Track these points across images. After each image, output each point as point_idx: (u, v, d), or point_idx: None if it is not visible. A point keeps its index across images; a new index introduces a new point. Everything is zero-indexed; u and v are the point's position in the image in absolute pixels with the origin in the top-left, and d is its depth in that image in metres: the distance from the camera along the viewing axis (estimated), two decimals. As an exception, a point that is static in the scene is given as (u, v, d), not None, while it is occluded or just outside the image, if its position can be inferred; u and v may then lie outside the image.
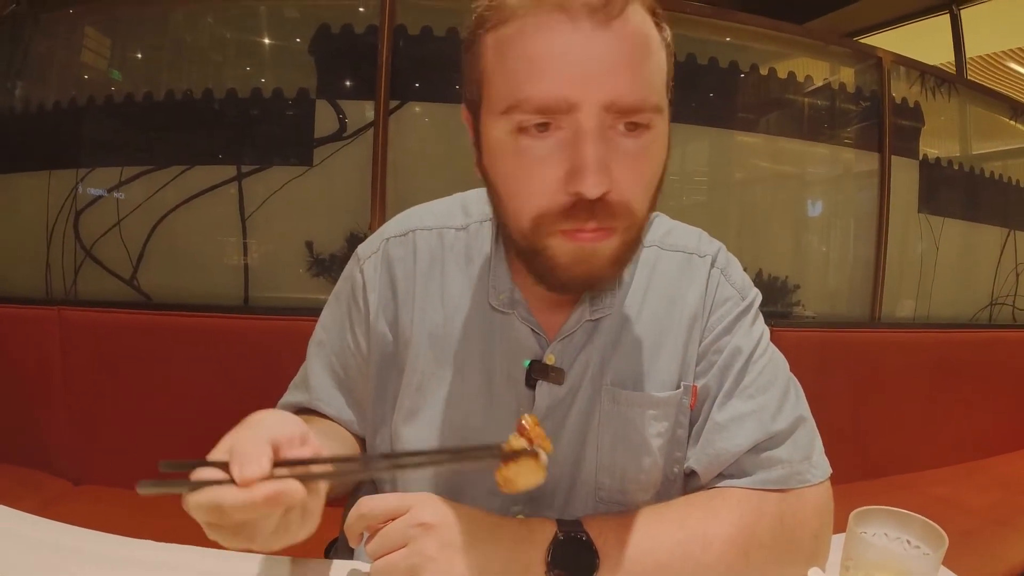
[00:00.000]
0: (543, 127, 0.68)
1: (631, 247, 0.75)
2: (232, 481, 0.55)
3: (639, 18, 0.68)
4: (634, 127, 0.69)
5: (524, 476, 0.65)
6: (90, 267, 2.19)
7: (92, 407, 1.99)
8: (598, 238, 0.71)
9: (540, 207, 0.70)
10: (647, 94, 0.68)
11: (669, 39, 0.74)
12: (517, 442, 0.66)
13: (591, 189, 0.66)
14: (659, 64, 0.71)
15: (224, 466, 0.57)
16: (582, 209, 0.68)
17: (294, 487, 0.56)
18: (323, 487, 0.64)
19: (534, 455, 0.65)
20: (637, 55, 0.68)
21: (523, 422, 0.67)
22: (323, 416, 0.98)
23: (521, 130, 0.69)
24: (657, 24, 0.72)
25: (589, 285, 0.76)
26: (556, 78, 0.66)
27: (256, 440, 0.59)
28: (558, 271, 0.73)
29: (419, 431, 0.89)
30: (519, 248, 0.77)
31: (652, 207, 0.77)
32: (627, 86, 0.67)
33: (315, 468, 0.61)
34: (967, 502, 2.23)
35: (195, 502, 0.56)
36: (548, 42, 0.66)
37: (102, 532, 0.86)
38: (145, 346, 1.97)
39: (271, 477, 0.56)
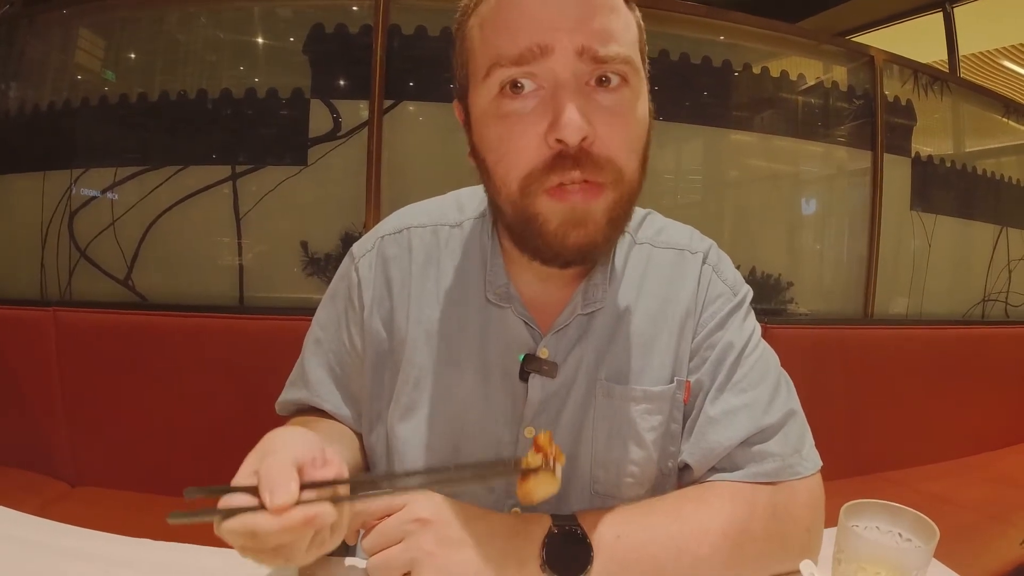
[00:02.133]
0: (521, 87, 0.72)
1: (623, 207, 0.76)
2: (263, 507, 0.56)
3: None
4: (609, 81, 0.72)
5: (541, 488, 0.68)
6: (85, 268, 2.19)
7: (88, 408, 1.99)
8: (588, 196, 0.72)
9: (526, 165, 0.72)
10: (618, 45, 0.72)
11: (638, 18, 0.79)
12: (534, 459, 0.68)
13: (571, 134, 0.69)
14: (627, 23, 0.75)
15: (252, 490, 0.58)
16: (567, 159, 0.70)
17: (326, 510, 0.58)
18: (347, 511, 0.65)
19: (550, 470, 0.68)
20: (605, 8, 0.72)
21: (539, 440, 0.69)
22: (322, 412, 0.99)
23: (503, 93, 0.72)
24: (626, 2, 0.77)
25: (584, 253, 0.76)
26: (528, 27, 0.70)
27: (282, 465, 0.59)
28: (549, 237, 0.74)
29: (416, 427, 0.89)
30: (511, 222, 0.78)
31: (641, 176, 0.78)
32: (598, 33, 0.71)
33: (342, 489, 0.63)
34: (961, 497, 2.23)
35: (229, 529, 0.57)
36: (520, 2, 0.71)
37: (100, 532, 0.86)
38: (141, 346, 1.97)
39: (300, 502, 0.57)
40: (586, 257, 0.78)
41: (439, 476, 0.74)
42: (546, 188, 0.72)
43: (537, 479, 0.67)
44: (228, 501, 0.58)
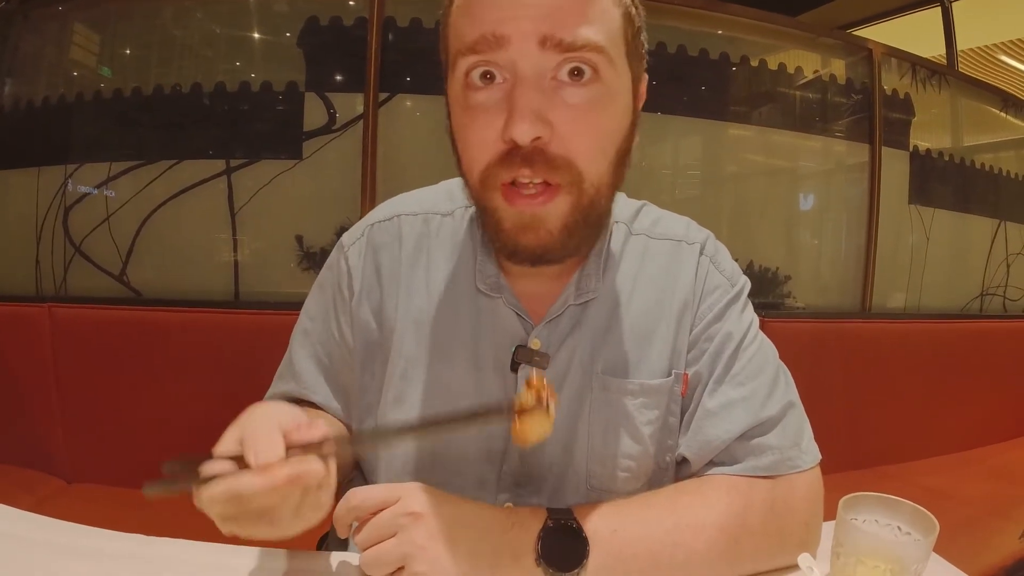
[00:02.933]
0: (487, 77, 0.70)
1: (582, 213, 0.74)
2: (247, 469, 0.56)
3: None
4: (579, 74, 0.70)
5: (536, 428, 0.67)
6: (80, 263, 2.19)
7: (84, 404, 1.98)
8: (540, 201, 0.71)
9: (484, 159, 0.72)
10: (588, 33, 0.69)
11: (631, 4, 0.76)
12: (527, 397, 0.67)
13: (521, 134, 0.67)
14: (604, 12, 0.71)
15: (234, 460, 0.57)
16: (516, 156, 0.69)
17: (314, 465, 0.57)
18: (335, 472, 0.64)
19: (544, 408, 0.67)
20: None
21: (531, 379, 0.69)
22: (311, 405, 0.98)
23: (469, 84, 0.71)
24: None
25: (539, 256, 0.76)
26: (487, 13, 0.68)
27: (267, 428, 0.59)
28: (504, 236, 0.74)
29: (407, 418, 0.88)
30: (477, 209, 0.79)
31: (613, 178, 0.77)
32: (563, 20, 0.68)
33: (328, 446, 0.62)
34: (960, 492, 2.23)
35: (210, 496, 0.56)
36: None
37: (96, 528, 0.85)
38: (136, 342, 1.96)
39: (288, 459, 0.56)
40: (543, 259, 0.76)
41: (432, 426, 0.72)
42: (500, 184, 0.72)
43: (531, 418, 0.67)
44: (208, 469, 0.57)
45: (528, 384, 0.68)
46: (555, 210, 0.72)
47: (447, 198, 0.97)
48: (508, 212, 0.73)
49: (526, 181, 0.71)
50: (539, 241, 0.73)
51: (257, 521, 0.59)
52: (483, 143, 0.71)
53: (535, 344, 0.87)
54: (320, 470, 0.57)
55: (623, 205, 0.97)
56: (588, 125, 0.72)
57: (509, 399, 0.68)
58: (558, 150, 0.70)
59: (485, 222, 0.77)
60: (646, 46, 0.81)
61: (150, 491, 0.55)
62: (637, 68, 0.79)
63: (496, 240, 0.76)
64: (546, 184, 0.71)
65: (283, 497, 0.58)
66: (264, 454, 0.55)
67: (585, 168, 0.72)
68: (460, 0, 0.73)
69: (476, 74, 0.71)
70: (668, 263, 0.93)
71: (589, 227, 0.78)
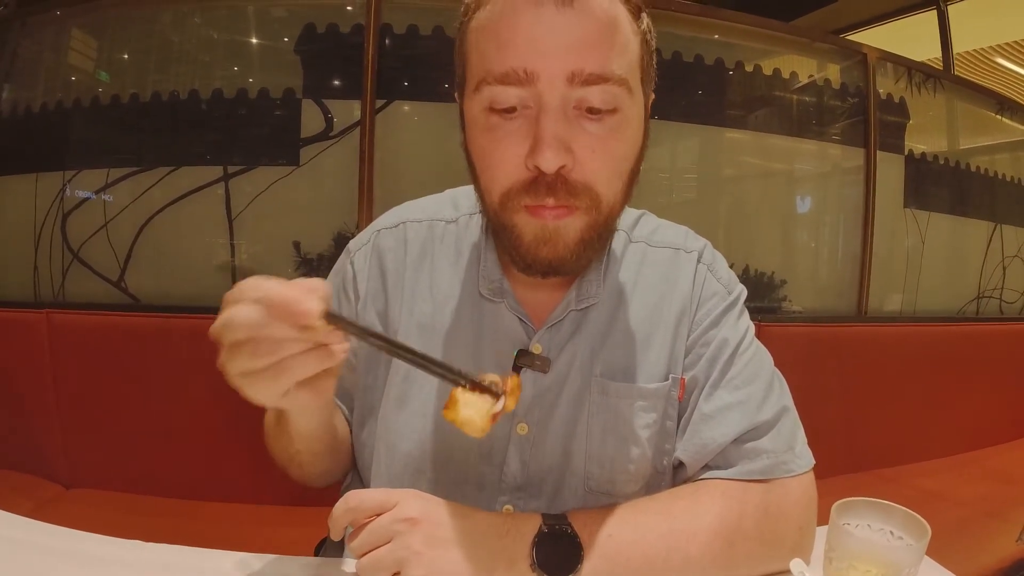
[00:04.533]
0: (511, 110, 0.72)
1: (597, 230, 0.77)
2: None
3: (606, 2, 0.71)
4: (599, 113, 0.72)
5: (470, 408, 0.66)
6: (78, 270, 2.19)
7: (82, 410, 1.98)
8: (559, 216, 0.73)
9: (506, 182, 0.74)
10: (611, 66, 0.71)
11: (647, 28, 0.78)
12: (490, 377, 0.68)
13: (547, 163, 0.69)
14: (626, 44, 0.73)
15: None
16: (541, 184, 0.71)
17: (315, 282, 0.60)
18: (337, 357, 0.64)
19: (495, 396, 0.67)
20: (599, 30, 0.71)
21: (510, 376, 0.69)
22: None
23: (491, 110, 0.73)
24: (632, 11, 0.75)
25: (554, 268, 0.78)
26: (518, 47, 0.70)
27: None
28: (523, 250, 0.76)
29: (408, 419, 0.90)
30: (493, 225, 0.80)
31: (625, 196, 0.80)
32: (588, 57, 0.70)
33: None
34: (957, 494, 2.24)
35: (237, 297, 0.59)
36: (513, 18, 0.70)
37: (95, 533, 0.86)
38: (134, 348, 1.96)
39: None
40: (557, 271, 0.79)
41: (408, 353, 0.68)
42: (523, 205, 0.74)
43: (475, 398, 0.66)
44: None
45: (503, 377, 0.68)
46: (573, 224, 0.75)
47: (452, 206, 1.00)
48: (530, 225, 0.75)
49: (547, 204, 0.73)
50: (556, 254, 0.76)
51: (263, 361, 0.60)
52: (505, 167, 0.73)
53: (536, 349, 0.88)
54: (322, 285, 0.60)
55: (623, 214, 0.99)
56: (607, 153, 0.74)
57: (478, 374, 0.68)
58: (579, 177, 0.72)
59: (502, 237, 0.79)
60: (655, 65, 0.83)
61: None
62: (648, 91, 0.81)
63: (514, 254, 0.78)
64: (561, 206, 0.73)
65: (285, 327, 0.58)
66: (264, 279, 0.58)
67: (603, 192, 0.75)
68: (485, 19, 0.73)
69: (500, 104, 0.72)
70: (666, 270, 0.95)
71: (602, 242, 0.81)
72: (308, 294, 0.58)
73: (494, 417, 0.66)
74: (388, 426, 0.91)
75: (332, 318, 0.59)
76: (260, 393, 0.62)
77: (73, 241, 2.18)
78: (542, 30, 0.69)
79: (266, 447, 0.96)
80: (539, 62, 0.69)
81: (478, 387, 0.66)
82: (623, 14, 0.73)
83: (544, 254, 0.76)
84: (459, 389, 0.66)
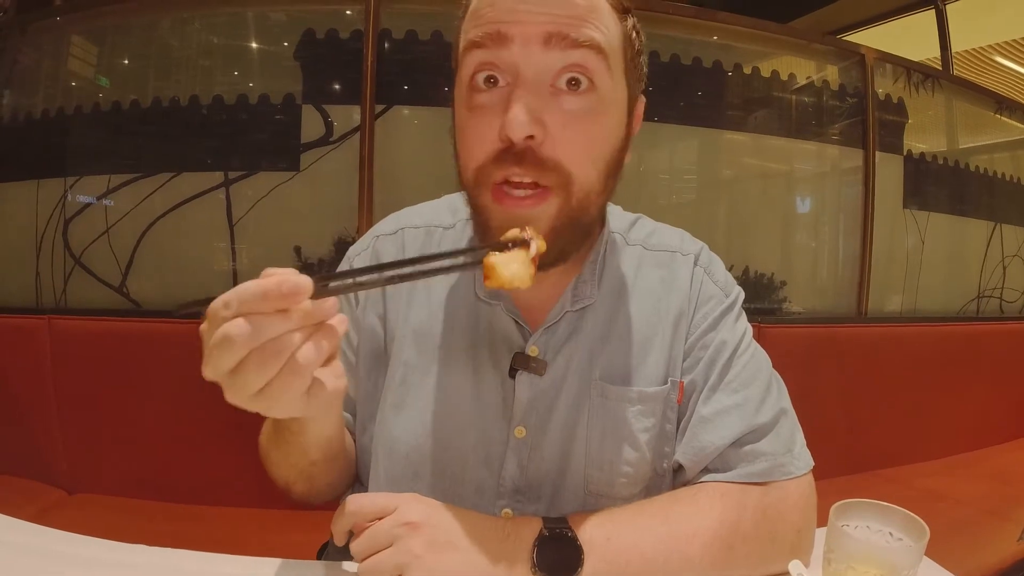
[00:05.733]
0: (491, 81, 0.73)
1: (570, 217, 0.76)
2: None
3: None
4: (576, 84, 0.73)
5: (509, 265, 0.64)
6: (79, 275, 2.19)
7: (84, 415, 1.99)
8: (528, 203, 0.73)
9: (480, 156, 0.74)
10: (588, 31, 0.72)
11: (633, 28, 0.80)
12: (513, 232, 0.67)
13: (514, 130, 0.70)
14: (607, 24, 0.75)
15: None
16: (509, 154, 0.72)
17: (303, 279, 0.55)
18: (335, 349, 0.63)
19: (525, 244, 0.66)
20: (578, 3, 0.72)
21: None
22: None
23: (474, 86, 0.74)
24: (614, 6, 0.77)
25: None
26: (495, 12, 0.72)
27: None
28: (491, 235, 0.75)
29: (406, 423, 0.90)
30: (471, 212, 0.81)
31: (604, 187, 0.80)
32: (565, 22, 0.71)
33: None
34: (957, 494, 2.24)
35: (225, 300, 0.55)
36: None
37: (98, 538, 0.86)
38: (136, 353, 1.97)
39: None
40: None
41: (412, 266, 0.64)
42: (492, 184, 0.74)
43: (509, 255, 0.65)
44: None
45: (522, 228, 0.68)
46: (544, 212, 0.74)
47: (449, 212, 1.00)
48: (496, 211, 0.75)
49: (517, 180, 0.73)
50: None
51: (265, 361, 0.56)
52: (480, 141, 0.74)
53: (532, 351, 0.88)
54: (306, 279, 0.55)
55: (618, 217, 1.00)
56: (580, 131, 0.74)
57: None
58: (549, 152, 0.72)
59: (475, 221, 0.80)
60: (645, 70, 0.85)
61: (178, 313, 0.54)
62: (635, 88, 0.82)
63: (484, 239, 0.78)
64: (536, 185, 0.73)
65: (276, 317, 0.55)
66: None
67: (574, 172, 0.74)
68: (472, 7, 0.76)
69: (480, 77, 0.74)
70: (663, 273, 0.95)
71: (576, 232, 0.80)
72: (285, 273, 0.55)
73: (535, 261, 0.66)
74: (386, 430, 0.91)
75: (321, 281, 0.56)
76: (284, 403, 0.60)
77: (75, 247, 2.19)
78: (522, 3, 0.71)
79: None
80: (515, 26, 0.71)
81: (505, 245, 0.65)
82: (604, 5, 0.75)
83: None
84: (491, 255, 0.64)
